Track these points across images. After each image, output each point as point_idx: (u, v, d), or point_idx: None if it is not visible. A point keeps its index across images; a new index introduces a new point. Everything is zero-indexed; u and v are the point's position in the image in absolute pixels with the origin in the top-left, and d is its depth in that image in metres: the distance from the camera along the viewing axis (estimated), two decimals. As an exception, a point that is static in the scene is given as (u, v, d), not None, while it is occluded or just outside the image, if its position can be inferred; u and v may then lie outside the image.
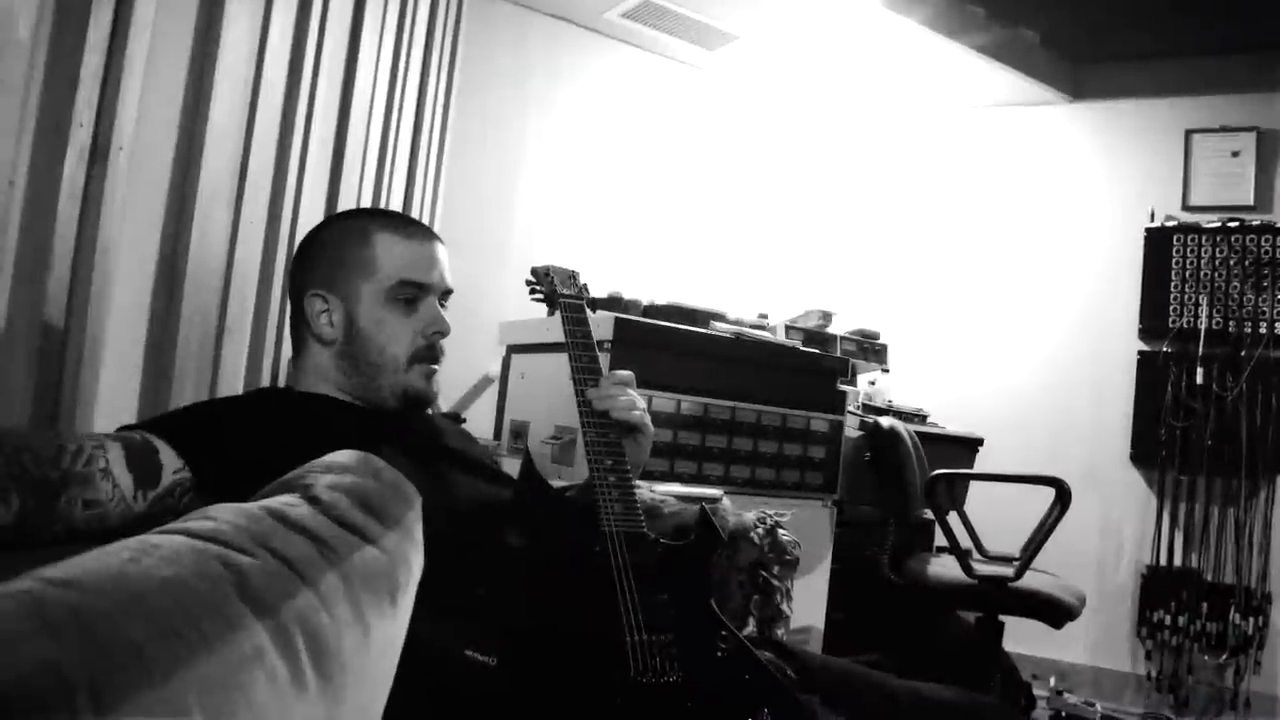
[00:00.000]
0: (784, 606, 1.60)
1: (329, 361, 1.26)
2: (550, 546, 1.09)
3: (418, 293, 1.26)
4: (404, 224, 1.29)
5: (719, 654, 1.05)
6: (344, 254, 1.25)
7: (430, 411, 1.36)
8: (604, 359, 1.33)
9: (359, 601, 0.68)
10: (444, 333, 1.27)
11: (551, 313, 1.42)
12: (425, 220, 2.37)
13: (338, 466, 0.80)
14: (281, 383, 1.65)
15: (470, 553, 1.07)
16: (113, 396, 1.30)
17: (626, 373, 1.32)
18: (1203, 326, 3.27)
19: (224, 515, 0.67)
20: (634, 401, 1.29)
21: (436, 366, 1.27)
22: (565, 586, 1.06)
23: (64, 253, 1.17)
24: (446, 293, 1.31)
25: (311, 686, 0.60)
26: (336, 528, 0.71)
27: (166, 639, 0.51)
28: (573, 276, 1.46)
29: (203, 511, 0.69)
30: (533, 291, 1.48)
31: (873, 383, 3.35)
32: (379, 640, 0.70)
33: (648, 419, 1.32)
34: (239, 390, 1.55)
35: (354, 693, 0.65)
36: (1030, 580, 2.37)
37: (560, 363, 1.39)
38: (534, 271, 1.50)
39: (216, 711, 0.51)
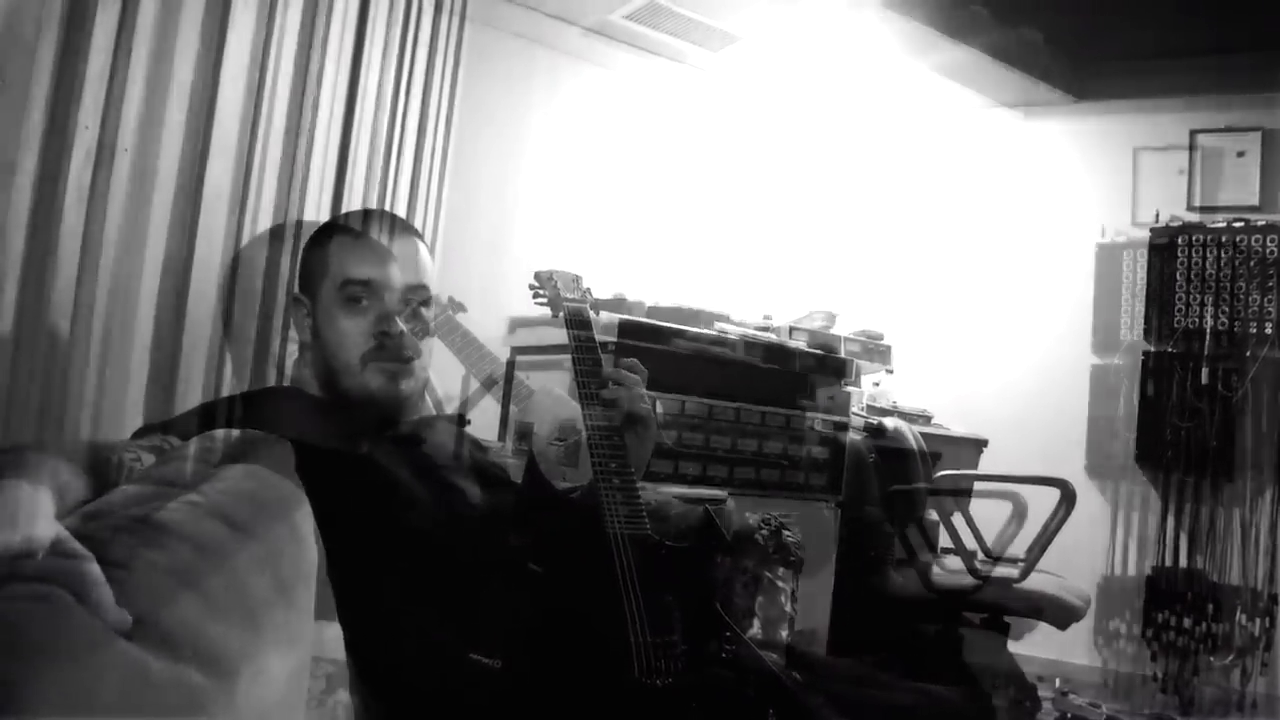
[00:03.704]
0: (788, 608, 1.59)
1: (309, 364, 1.27)
2: (554, 549, 1.09)
3: (364, 291, 1.21)
4: (362, 222, 1.28)
5: (723, 655, 1.05)
6: (311, 257, 1.28)
7: (434, 414, 1.35)
8: (607, 361, 1.33)
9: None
10: (389, 332, 1.19)
11: (555, 316, 1.41)
12: (428, 222, 2.36)
13: None
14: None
15: (475, 556, 1.07)
16: (118, 397, 1.30)
17: (634, 361, 1.32)
18: (1208, 327, 3.26)
19: None
20: (643, 393, 1.29)
21: (395, 365, 1.20)
22: (570, 589, 1.06)
23: (70, 254, 1.17)
24: (414, 289, 1.24)
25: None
26: None
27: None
28: (576, 280, 1.46)
29: None
30: (536, 296, 1.48)
31: (877, 384, 3.34)
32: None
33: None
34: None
35: None
36: (1035, 581, 2.37)
37: (564, 365, 1.39)
38: (537, 276, 1.49)
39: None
